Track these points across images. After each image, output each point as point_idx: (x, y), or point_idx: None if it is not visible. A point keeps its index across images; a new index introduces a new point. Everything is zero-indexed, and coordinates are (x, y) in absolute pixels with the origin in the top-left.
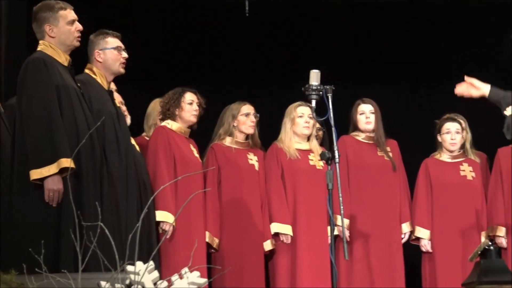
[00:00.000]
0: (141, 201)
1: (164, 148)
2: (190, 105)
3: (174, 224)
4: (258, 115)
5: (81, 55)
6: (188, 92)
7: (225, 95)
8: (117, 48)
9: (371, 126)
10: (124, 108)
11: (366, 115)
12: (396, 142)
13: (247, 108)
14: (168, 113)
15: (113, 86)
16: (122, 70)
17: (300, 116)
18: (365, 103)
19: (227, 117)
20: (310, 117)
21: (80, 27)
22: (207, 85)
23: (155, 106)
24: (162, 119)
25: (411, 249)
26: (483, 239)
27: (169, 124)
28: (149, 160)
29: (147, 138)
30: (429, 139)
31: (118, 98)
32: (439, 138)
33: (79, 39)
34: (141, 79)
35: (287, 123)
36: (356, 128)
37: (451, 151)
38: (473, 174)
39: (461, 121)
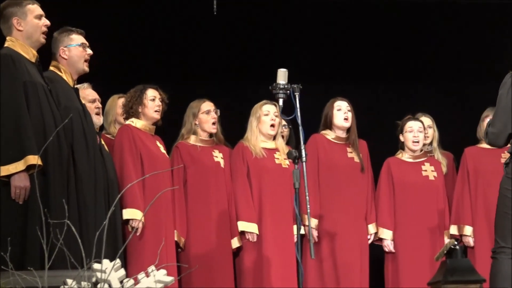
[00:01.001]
0: (108, 199)
1: (130, 146)
2: (152, 102)
3: (143, 221)
4: (218, 110)
5: (47, 53)
6: (150, 88)
7: (193, 93)
8: (81, 45)
9: (348, 124)
10: (99, 105)
11: (344, 110)
12: (365, 143)
13: (207, 105)
14: (131, 111)
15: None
16: (86, 68)
17: (266, 115)
18: (342, 100)
19: (188, 116)
20: (276, 115)
21: (47, 22)
22: (173, 83)
23: (113, 102)
24: (126, 118)
25: (376, 249)
26: (445, 238)
27: (134, 122)
28: (116, 159)
29: (107, 136)
30: (392, 139)
31: (94, 95)
32: (401, 138)
33: (46, 36)
34: (101, 76)
35: (253, 122)
36: (328, 126)
37: (413, 151)
38: (434, 173)
39: (428, 119)
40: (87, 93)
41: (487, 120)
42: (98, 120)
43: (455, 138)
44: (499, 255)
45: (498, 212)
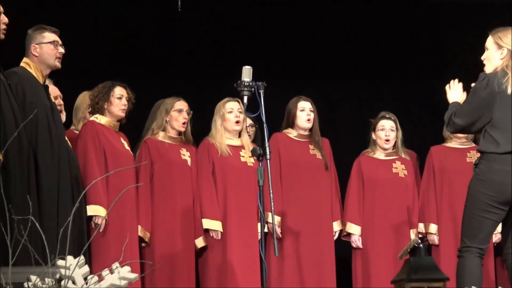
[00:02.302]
0: (73, 196)
1: (94, 142)
2: (119, 100)
3: (106, 217)
4: (191, 111)
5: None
6: (118, 86)
7: (156, 90)
8: (53, 43)
9: (310, 125)
10: (61, 102)
11: (307, 112)
12: (328, 140)
13: (181, 104)
14: (97, 106)
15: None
16: (58, 65)
17: (230, 112)
18: (305, 100)
19: (160, 112)
20: (240, 112)
21: (5, 19)
22: (138, 79)
23: (83, 99)
24: (91, 113)
25: (342, 246)
26: (412, 236)
27: (98, 118)
28: (79, 155)
29: (77, 132)
30: (359, 138)
31: (56, 92)
32: (373, 136)
33: (5, 31)
34: (70, 72)
35: (217, 120)
36: (290, 125)
37: (385, 149)
38: (405, 171)
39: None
40: (49, 90)
41: None
42: (61, 116)
43: (419, 137)
44: (465, 253)
45: (466, 213)
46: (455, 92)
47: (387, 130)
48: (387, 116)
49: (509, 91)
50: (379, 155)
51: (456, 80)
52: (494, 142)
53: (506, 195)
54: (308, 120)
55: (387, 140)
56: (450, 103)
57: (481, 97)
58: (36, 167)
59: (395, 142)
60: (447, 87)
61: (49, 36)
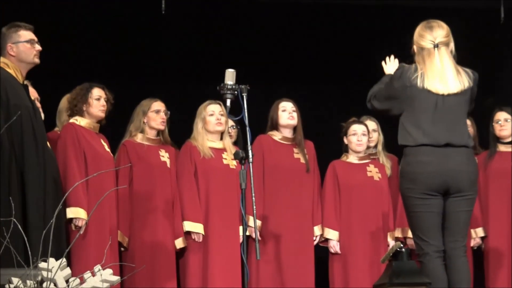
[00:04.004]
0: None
1: (74, 144)
2: (97, 101)
3: (87, 220)
4: (168, 112)
5: None
6: (96, 87)
7: (139, 92)
8: (29, 41)
9: (294, 122)
10: (39, 105)
11: (289, 111)
12: (312, 144)
13: (158, 105)
14: (76, 109)
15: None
16: (37, 61)
17: (211, 115)
18: (286, 101)
19: (137, 114)
20: (222, 114)
21: None
22: (121, 81)
23: (66, 102)
24: (70, 115)
25: (321, 250)
26: (389, 239)
27: (78, 120)
28: (59, 157)
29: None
30: (339, 141)
31: (34, 94)
32: (345, 141)
33: None
34: (53, 74)
35: (198, 123)
36: (274, 127)
37: (357, 152)
38: (379, 175)
39: (373, 122)
40: None
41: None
42: None
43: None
44: (424, 258)
45: (406, 214)
46: (390, 68)
47: (358, 134)
48: (358, 120)
49: (419, 85)
50: (352, 159)
51: (392, 57)
52: (407, 135)
53: (427, 184)
54: (291, 117)
55: (359, 144)
56: (384, 76)
57: (393, 87)
58: (22, 169)
59: (376, 146)
60: (383, 62)
61: (25, 34)
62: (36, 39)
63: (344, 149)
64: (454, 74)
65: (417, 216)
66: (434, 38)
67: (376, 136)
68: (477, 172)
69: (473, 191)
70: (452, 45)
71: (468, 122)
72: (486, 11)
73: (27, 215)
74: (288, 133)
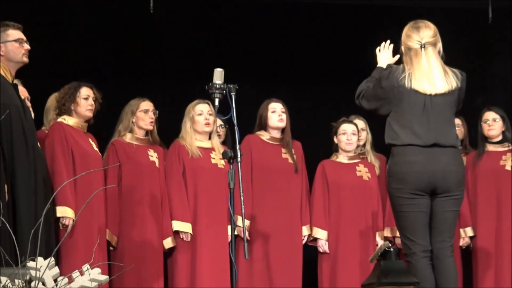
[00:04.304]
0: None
1: (61, 144)
2: (85, 100)
3: (74, 219)
4: (157, 111)
5: None
6: (84, 86)
7: (128, 92)
8: (18, 41)
9: (283, 124)
10: (29, 104)
11: (278, 112)
12: (300, 144)
13: (146, 105)
14: (64, 108)
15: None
16: (26, 60)
17: (200, 114)
18: (276, 102)
19: (126, 113)
20: (210, 114)
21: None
22: (110, 81)
23: (54, 100)
24: (58, 114)
25: (310, 250)
26: (378, 239)
27: (65, 119)
28: (47, 157)
29: (47, 131)
30: (329, 141)
31: (24, 93)
32: (335, 140)
33: None
34: (41, 73)
35: (187, 123)
36: (262, 127)
37: (347, 152)
38: (369, 175)
39: (361, 121)
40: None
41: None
42: None
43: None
44: (411, 258)
45: (394, 214)
46: (384, 56)
47: (348, 134)
48: (348, 120)
49: (407, 86)
50: (342, 159)
51: (388, 42)
52: (394, 134)
53: (414, 184)
54: (281, 119)
55: (349, 144)
56: (375, 68)
57: (381, 87)
58: (12, 168)
59: (364, 145)
60: (377, 49)
61: (13, 33)
62: (25, 38)
63: (334, 148)
64: (441, 74)
65: (404, 215)
66: (421, 39)
67: (365, 135)
68: (464, 172)
69: (460, 191)
70: (439, 45)
71: (459, 121)
72: (474, 11)
73: (17, 215)
74: (276, 133)
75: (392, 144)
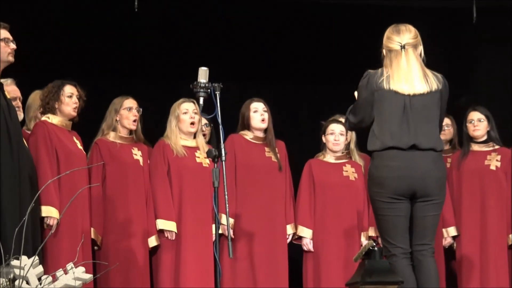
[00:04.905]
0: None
1: (45, 142)
2: (69, 98)
3: (59, 218)
4: (141, 109)
5: None
6: (68, 85)
7: (112, 90)
8: (4, 40)
9: (265, 125)
10: (19, 104)
11: (260, 112)
12: (283, 143)
13: (130, 102)
14: (48, 106)
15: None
16: (12, 59)
17: (185, 113)
18: (257, 101)
19: (109, 112)
20: (195, 113)
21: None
22: (94, 79)
23: (35, 98)
24: (42, 113)
25: (294, 249)
26: (363, 239)
27: (50, 118)
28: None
29: (28, 132)
30: (314, 140)
31: (16, 93)
32: (323, 139)
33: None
34: (24, 71)
35: (172, 121)
36: (245, 127)
37: (334, 151)
38: (355, 175)
39: None
40: (9, 90)
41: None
42: (19, 117)
43: None
44: (391, 259)
45: (375, 217)
46: None
47: (336, 134)
48: (337, 120)
49: (385, 87)
50: (329, 158)
51: None
52: (376, 139)
53: (393, 189)
54: (263, 120)
55: (336, 144)
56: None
57: (363, 96)
58: None
59: (348, 145)
60: (355, 93)
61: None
62: (11, 38)
63: (322, 147)
64: (420, 75)
65: (384, 219)
66: (401, 40)
67: (350, 134)
68: (445, 177)
69: (440, 196)
70: (420, 48)
71: (449, 121)
72: (459, 11)
73: (1, 214)
74: (259, 133)
75: (373, 151)
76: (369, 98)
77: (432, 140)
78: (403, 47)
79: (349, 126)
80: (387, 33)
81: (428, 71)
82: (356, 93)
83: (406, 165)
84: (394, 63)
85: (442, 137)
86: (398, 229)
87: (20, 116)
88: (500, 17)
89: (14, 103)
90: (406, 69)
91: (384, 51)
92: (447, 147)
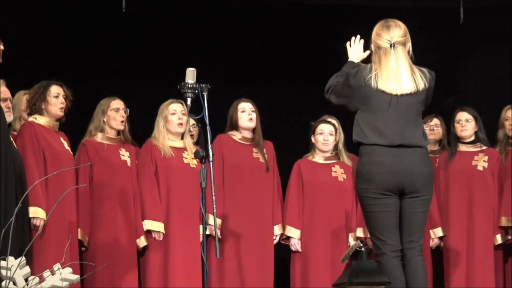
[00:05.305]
0: (16, 197)
1: (32, 144)
2: (56, 98)
3: (46, 219)
4: (128, 110)
5: None
6: (54, 85)
7: (100, 90)
8: None
9: (253, 124)
10: (10, 105)
11: (248, 112)
12: (271, 144)
13: (117, 103)
14: (35, 107)
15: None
16: None
17: (173, 114)
18: (245, 102)
19: (97, 113)
20: (183, 114)
21: None
22: (82, 79)
23: (19, 98)
24: (29, 114)
25: (281, 249)
26: (351, 240)
27: (36, 119)
28: None
29: (14, 132)
30: (302, 141)
31: (7, 94)
32: (312, 139)
33: None
34: (11, 71)
35: (160, 122)
36: (233, 127)
37: (323, 151)
38: (344, 176)
39: (335, 121)
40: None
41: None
42: (9, 118)
43: None
44: (381, 258)
45: (363, 214)
46: (355, 50)
47: (325, 134)
48: (327, 120)
49: (373, 86)
50: (318, 159)
51: (358, 37)
52: (362, 133)
53: (382, 185)
54: (250, 119)
55: (326, 144)
56: (346, 62)
57: (348, 85)
58: None
59: (337, 145)
60: (347, 44)
61: None
62: None
63: (311, 147)
64: (408, 75)
65: (373, 216)
66: (391, 38)
67: (338, 134)
68: (432, 173)
69: (428, 192)
70: (409, 45)
71: (438, 121)
72: (446, 11)
73: None
74: (247, 133)
75: (360, 142)
76: (355, 91)
77: (418, 138)
78: (392, 45)
79: (329, 101)
80: (376, 29)
81: (416, 69)
82: (350, 56)
83: (395, 160)
84: (383, 61)
85: (431, 137)
86: (387, 225)
87: (11, 117)
88: (487, 17)
89: (5, 104)
90: (395, 69)
91: (372, 46)
92: (436, 147)
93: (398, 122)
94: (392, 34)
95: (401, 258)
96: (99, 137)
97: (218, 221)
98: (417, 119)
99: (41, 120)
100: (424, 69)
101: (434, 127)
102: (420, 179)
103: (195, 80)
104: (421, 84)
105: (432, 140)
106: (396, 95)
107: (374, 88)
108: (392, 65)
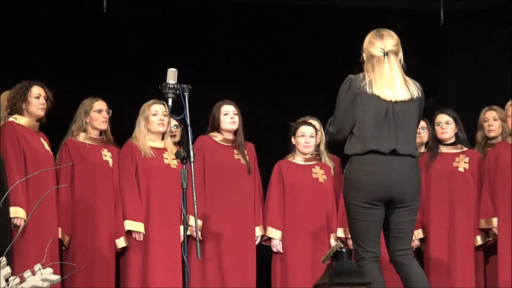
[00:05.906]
0: None
1: (13, 144)
2: (37, 99)
3: (26, 219)
4: (110, 111)
5: None
6: (35, 85)
7: (81, 90)
8: None
9: (235, 126)
10: None
11: (231, 115)
12: (253, 145)
13: (100, 104)
14: (15, 107)
15: None
16: None
17: (154, 114)
18: (228, 104)
19: (79, 114)
20: (165, 115)
21: None
22: (63, 79)
23: (4, 99)
24: (10, 114)
25: (263, 250)
26: (332, 241)
27: (17, 119)
28: None
29: None
30: (284, 142)
31: None
32: (293, 141)
33: None
34: None
35: (141, 122)
36: (215, 128)
37: (304, 154)
38: (324, 177)
39: (316, 122)
40: None
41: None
42: None
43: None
44: (361, 262)
45: (348, 220)
46: None
47: (307, 136)
48: (307, 121)
49: (368, 92)
50: (299, 160)
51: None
52: (357, 143)
53: (370, 194)
54: (233, 122)
55: (307, 146)
56: None
57: (345, 102)
58: None
59: (318, 146)
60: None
61: None
62: None
63: (291, 148)
64: (402, 83)
65: (358, 223)
66: (384, 46)
67: (319, 136)
68: (420, 183)
69: (416, 201)
70: (401, 55)
71: (424, 124)
72: (426, 13)
73: None
74: (229, 135)
75: (353, 154)
76: (352, 102)
77: (411, 147)
78: (386, 54)
79: (329, 138)
80: (369, 38)
81: (408, 79)
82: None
83: (385, 170)
84: (376, 69)
85: (418, 140)
86: (370, 235)
87: None
88: (467, 20)
89: None
90: (389, 77)
91: (364, 55)
92: (422, 149)
93: (391, 129)
94: (386, 43)
95: (380, 263)
96: (81, 137)
97: (199, 221)
98: (411, 128)
99: (21, 120)
100: (415, 81)
101: (420, 130)
102: (409, 189)
103: (176, 81)
104: (415, 92)
105: (418, 143)
106: (391, 101)
107: (369, 94)
108: (386, 74)
